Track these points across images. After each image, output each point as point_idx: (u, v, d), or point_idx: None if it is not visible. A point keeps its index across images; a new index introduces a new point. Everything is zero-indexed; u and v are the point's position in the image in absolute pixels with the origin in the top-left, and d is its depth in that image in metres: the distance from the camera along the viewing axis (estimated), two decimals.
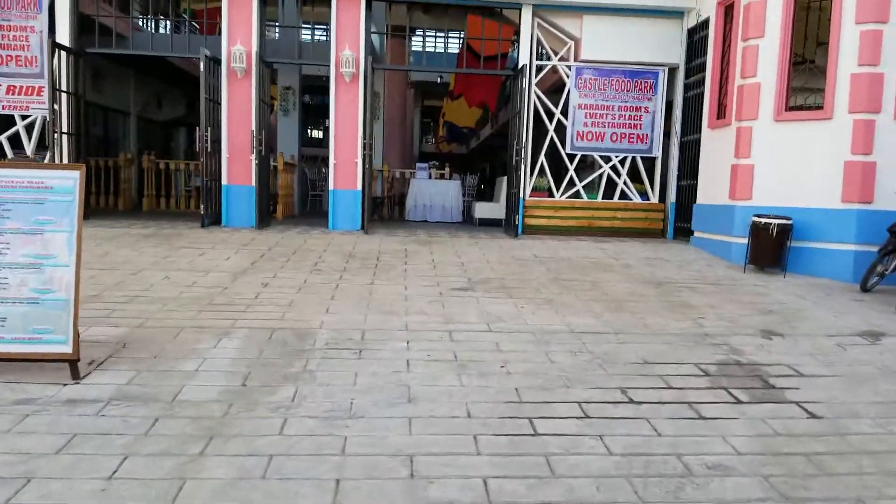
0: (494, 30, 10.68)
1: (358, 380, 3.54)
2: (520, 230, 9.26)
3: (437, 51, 28.44)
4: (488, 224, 11.46)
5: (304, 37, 17.08)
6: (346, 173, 9.31)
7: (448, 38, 26.69)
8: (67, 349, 3.40)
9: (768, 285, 6.43)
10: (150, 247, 7.22)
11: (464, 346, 4.21)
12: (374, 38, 14.56)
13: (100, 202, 13.04)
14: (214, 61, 9.10)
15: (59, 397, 3.24)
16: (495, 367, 3.81)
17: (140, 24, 13.49)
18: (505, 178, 11.47)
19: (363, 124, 9.05)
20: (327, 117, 9.27)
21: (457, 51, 23.27)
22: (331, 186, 9.32)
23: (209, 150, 8.80)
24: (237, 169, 9.24)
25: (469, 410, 3.17)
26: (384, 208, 12.86)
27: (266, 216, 9.43)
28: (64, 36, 9.09)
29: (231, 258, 6.79)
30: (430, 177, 12.64)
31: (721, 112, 8.32)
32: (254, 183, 8.91)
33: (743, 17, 7.68)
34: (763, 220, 6.94)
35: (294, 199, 12.98)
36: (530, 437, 2.94)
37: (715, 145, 8.41)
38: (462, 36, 12.27)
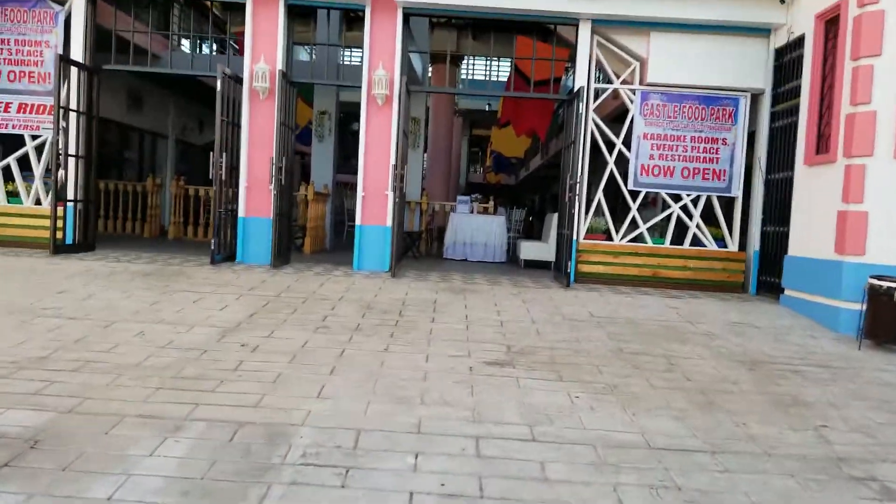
0: (547, 53, 9.57)
1: None
2: (572, 279, 7.98)
3: (485, 79, 27.60)
4: (535, 266, 10.21)
5: (345, 61, 16.38)
6: (375, 206, 8.25)
7: (494, 64, 25.83)
8: None
9: None
10: (142, 289, 6.25)
11: (495, 467, 2.97)
12: (417, 63, 13.63)
13: (126, 228, 12.39)
14: (236, 80, 8.22)
15: None
16: None
17: (175, 42, 12.90)
18: (555, 215, 10.23)
19: (396, 152, 7.99)
20: None
21: (505, 78, 22.39)
22: (357, 221, 8.25)
23: (224, 178, 7.87)
24: (256, 199, 8.28)
25: None
26: (422, 243, 11.76)
27: (286, 253, 8.42)
28: (78, 52, 8.37)
29: (229, 307, 5.74)
30: (471, 211, 11.50)
31: (822, 146, 6.94)
32: (273, 211, 7.91)
33: (853, 32, 6.35)
34: (885, 284, 5.51)
35: (326, 231, 12.01)
36: None
37: (814, 186, 7.01)
38: (511, 60, 11.20)
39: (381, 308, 6.00)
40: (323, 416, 3.44)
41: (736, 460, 3.21)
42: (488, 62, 25.74)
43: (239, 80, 8.24)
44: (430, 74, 16.07)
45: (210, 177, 7.77)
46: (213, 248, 7.73)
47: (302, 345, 4.72)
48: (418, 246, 11.47)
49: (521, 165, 23.21)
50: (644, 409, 3.82)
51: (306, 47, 15.99)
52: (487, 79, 14.85)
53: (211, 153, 7.83)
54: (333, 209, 13.04)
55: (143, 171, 14.85)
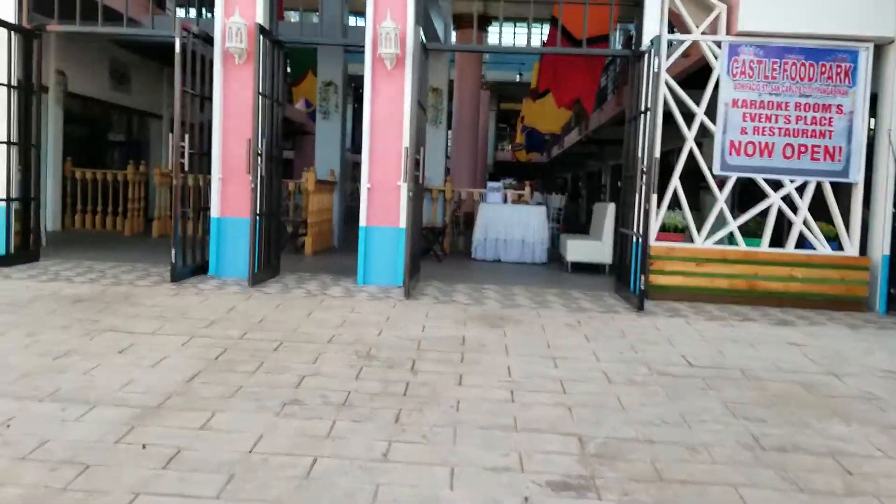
0: (593, 9, 7.52)
1: None
2: (643, 296, 6.08)
3: (516, 45, 25.22)
4: (586, 269, 8.39)
5: (355, 21, 14.48)
6: (384, 202, 6.44)
7: (527, 30, 23.48)
8: None
9: None
10: (60, 327, 4.54)
11: None
12: (439, 27, 11.66)
13: (106, 224, 10.79)
14: (205, 41, 6.43)
15: None
16: None
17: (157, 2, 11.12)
18: (609, 205, 8.35)
19: (410, 130, 6.15)
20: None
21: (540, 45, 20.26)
22: (361, 221, 6.45)
23: (186, 167, 6.11)
24: (234, 194, 6.53)
25: None
26: (445, 240, 9.94)
27: (272, 263, 6.66)
28: (9, 10, 6.63)
29: (166, 360, 3.99)
30: (504, 200, 9.63)
31: None
32: (252, 209, 6.12)
33: None
34: None
35: (333, 225, 10.26)
36: None
37: None
38: (557, 18, 9.23)
39: (385, 357, 4.21)
40: None
41: None
42: (516, 27, 23.35)
43: (210, 41, 6.45)
44: (453, 41, 14.10)
45: (169, 165, 6.02)
46: (173, 260, 5.99)
47: (251, 447, 2.94)
48: (441, 244, 9.66)
49: (555, 142, 21.14)
50: None
51: (314, 13, 14.09)
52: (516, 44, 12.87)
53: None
54: (345, 196, 11.30)
55: (137, 155, 13.21)
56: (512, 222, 9.22)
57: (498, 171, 31.16)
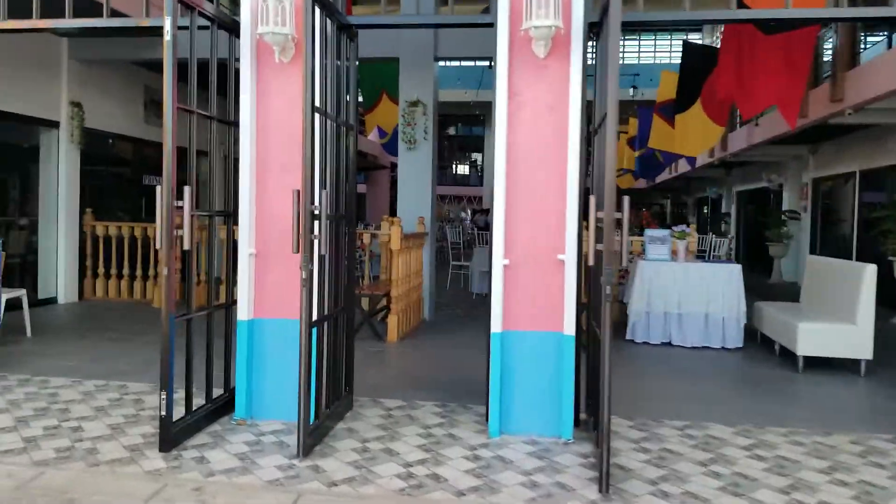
0: None
1: None
2: None
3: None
4: (818, 363, 5.42)
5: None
6: (535, 289, 3.65)
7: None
8: None
9: None
10: None
11: None
12: None
13: (134, 292, 8.49)
14: (223, 27, 3.90)
15: None
16: None
17: None
18: (867, 267, 5.33)
19: (583, 172, 3.40)
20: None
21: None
22: (494, 325, 3.67)
23: (187, 243, 3.51)
24: (276, 281, 3.90)
25: None
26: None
27: (343, 390, 3.96)
28: None
29: None
30: (672, 256, 6.69)
31: None
32: (302, 317, 3.43)
33: None
34: None
35: (424, 293, 7.60)
36: None
37: None
38: None
39: None
40: None
41: None
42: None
43: (232, 29, 3.92)
44: None
45: (159, 225, 3.47)
46: (162, 412, 3.33)
47: None
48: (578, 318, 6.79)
49: (668, 164, 17.89)
50: None
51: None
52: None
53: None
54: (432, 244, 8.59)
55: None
56: (688, 288, 6.27)
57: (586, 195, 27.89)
